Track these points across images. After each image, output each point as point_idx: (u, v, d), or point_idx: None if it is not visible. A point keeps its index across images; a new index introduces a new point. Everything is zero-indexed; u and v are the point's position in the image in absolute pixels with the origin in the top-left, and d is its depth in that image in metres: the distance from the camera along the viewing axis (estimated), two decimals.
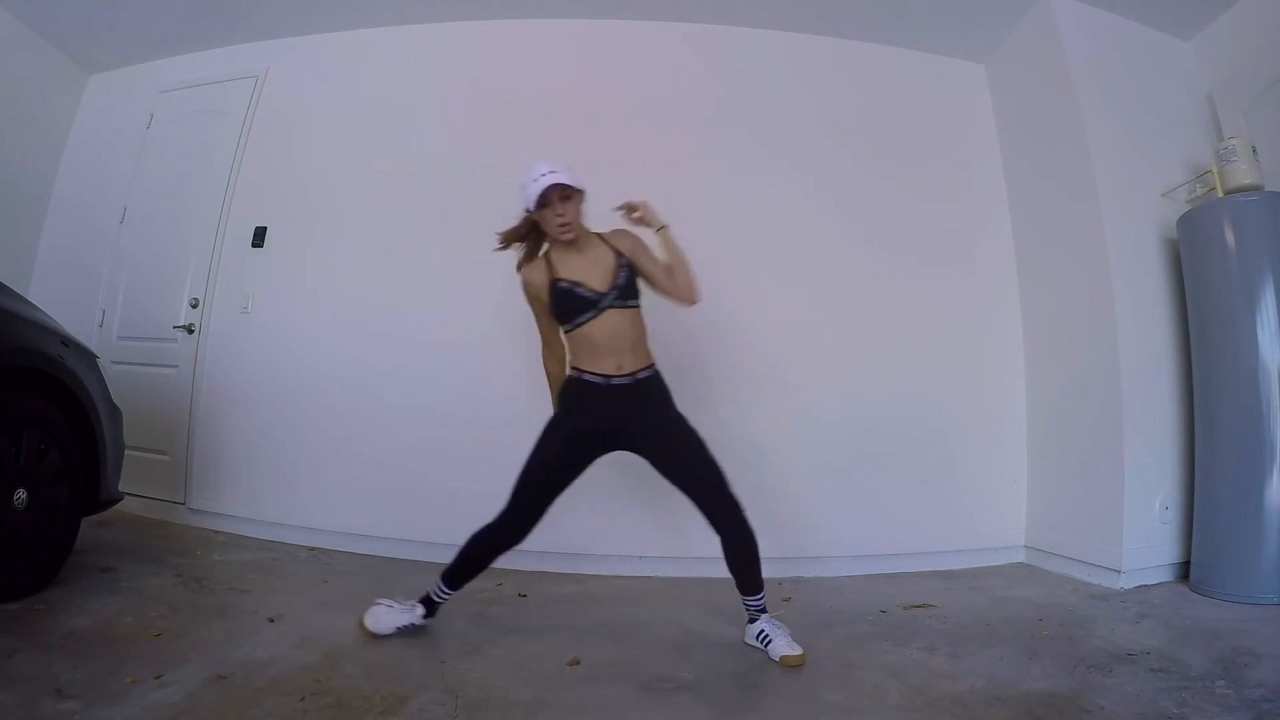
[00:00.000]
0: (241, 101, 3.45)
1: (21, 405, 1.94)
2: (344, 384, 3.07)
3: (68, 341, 2.14)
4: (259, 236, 3.29)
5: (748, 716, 1.52)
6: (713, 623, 2.18)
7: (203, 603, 2.07)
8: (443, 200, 3.16)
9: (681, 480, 1.89)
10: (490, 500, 2.88)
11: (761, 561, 1.89)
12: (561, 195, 1.84)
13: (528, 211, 1.90)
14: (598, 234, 1.96)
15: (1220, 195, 2.62)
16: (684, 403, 1.99)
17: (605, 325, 1.85)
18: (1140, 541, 2.57)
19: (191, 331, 3.29)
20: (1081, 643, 1.95)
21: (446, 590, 1.96)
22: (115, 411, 2.34)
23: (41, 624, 1.74)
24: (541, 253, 1.98)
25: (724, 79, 3.28)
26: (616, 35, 3.30)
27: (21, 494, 1.90)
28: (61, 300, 3.19)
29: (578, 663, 1.76)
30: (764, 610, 1.91)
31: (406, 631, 1.89)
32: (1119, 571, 2.53)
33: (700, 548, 2.82)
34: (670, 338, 3.00)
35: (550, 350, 2.03)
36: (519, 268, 1.98)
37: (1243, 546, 2.34)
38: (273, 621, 1.93)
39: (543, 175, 1.82)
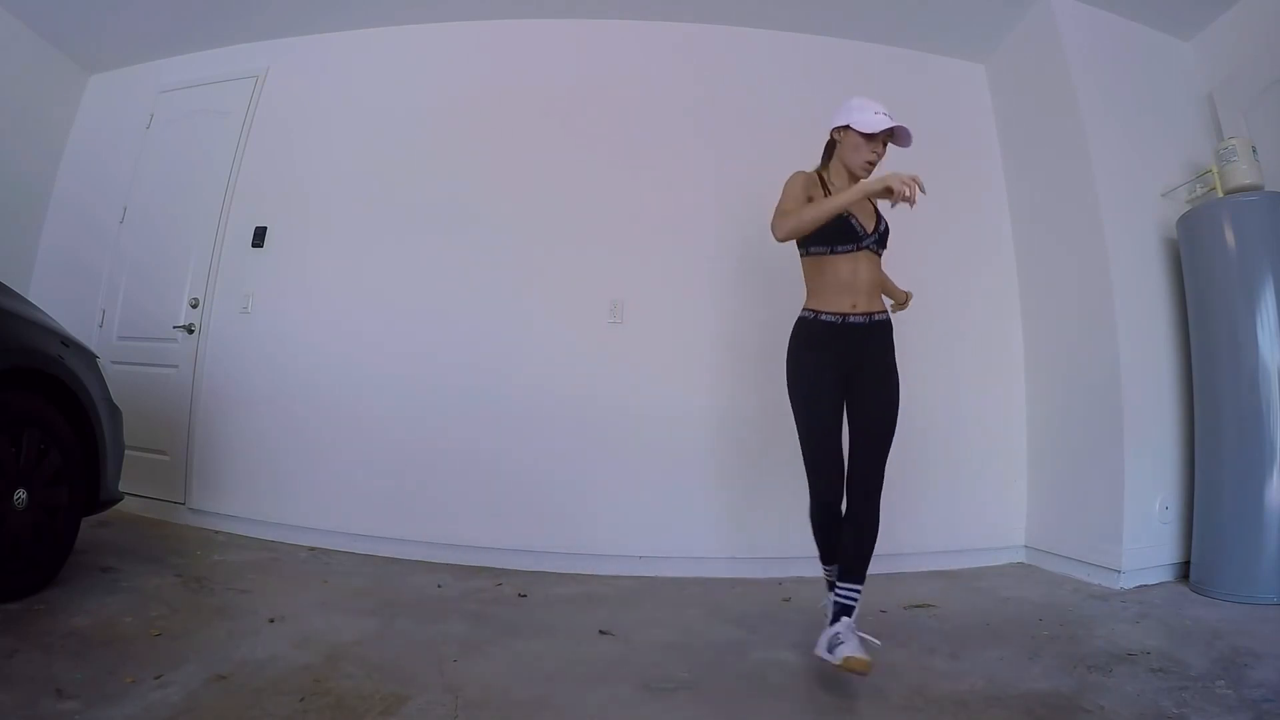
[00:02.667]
0: (241, 101, 3.45)
1: (21, 405, 1.94)
2: (344, 384, 3.07)
3: (68, 341, 2.14)
4: (259, 236, 3.29)
5: (748, 716, 1.52)
6: (713, 623, 2.18)
7: (203, 603, 2.07)
8: (443, 200, 3.16)
9: (859, 431, 1.82)
10: (491, 500, 2.91)
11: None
12: (886, 140, 1.86)
13: (839, 129, 1.90)
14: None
15: (1220, 195, 2.62)
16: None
17: (854, 263, 1.83)
18: (1140, 541, 2.57)
19: (191, 331, 3.29)
20: (1081, 643, 1.95)
21: (830, 566, 1.89)
22: (115, 411, 2.34)
23: (41, 624, 1.74)
24: (816, 169, 1.97)
25: (722, 79, 3.28)
26: (615, 35, 3.30)
27: (21, 494, 1.90)
28: (61, 300, 3.19)
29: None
30: (850, 611, 1.72)
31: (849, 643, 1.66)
32: (1119, 571, 2.53)
33: (700, 548, 2.84)
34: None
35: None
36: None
37: (1243, 546, 2.34)
38: (273, 621, 1.93)
39: (883, 113, 1.83)
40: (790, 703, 1.57)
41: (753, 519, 2.88)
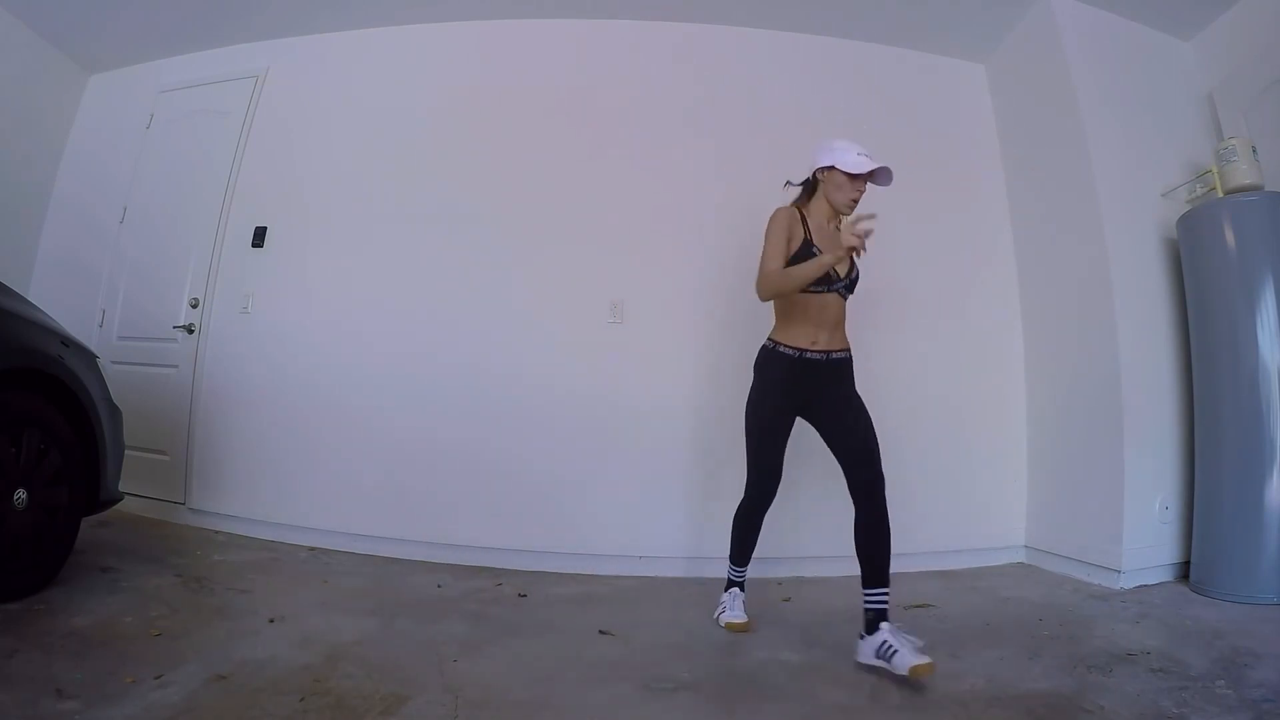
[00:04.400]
0: (241, 101, 3.46)
1: (22, 405, 1.94)
2: (344, 383, 3.07)
3: (68, 341, 2.14)
4: (259, 236, 3.29)
5: (748, 717, 1.52)
6: (713, 623, 2.18)
7: (203, 603, 2.07)
8: (443, 200, 3.16)
9: (841, 438, 1.93)
10: (491, 500, 2.91)
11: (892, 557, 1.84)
12: (867, 179, 1.97)
13: (823, 169, 2.01)
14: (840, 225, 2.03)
15: (1220, 195, 2.62)
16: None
17: (822, 302, 1.95)
18: (1140, 541, 2.57)
19: (191, 331, 3.29)
20: (1081, 643, 1.94)
21: (739, 568, 2.16)
22: (115, 411, 2.34)
23: (41, 624, 1.74)
24: (795, 204, 2.08)
25: (722, 79, 3.28)
26: (615, 35, 3.30)
27: (21, 494, 1.89)
28: (61, 300, 3.20)
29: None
30: (885, 615, 1.75)
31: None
32: (1119, 571, 2.53)
33: (700, 548, 2.84)
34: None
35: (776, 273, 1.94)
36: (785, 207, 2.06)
37: (1243, 546, 2.34)
38: (273, 621, 1.93)
39: (865, 155, 1.94)
40: (790, 703, 1.57)
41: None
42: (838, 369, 2.00)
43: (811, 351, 1.96)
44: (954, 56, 3.42)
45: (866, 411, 1.95)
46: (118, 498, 2.36)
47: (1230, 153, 2.62)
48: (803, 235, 1.98)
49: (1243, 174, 2.58)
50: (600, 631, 2.04)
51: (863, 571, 1.83)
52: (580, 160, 3.17)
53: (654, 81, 3.25)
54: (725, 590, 2.18)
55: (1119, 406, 2.62)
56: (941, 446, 3.04)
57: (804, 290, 1.92)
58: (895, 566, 2.84)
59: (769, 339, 2.05)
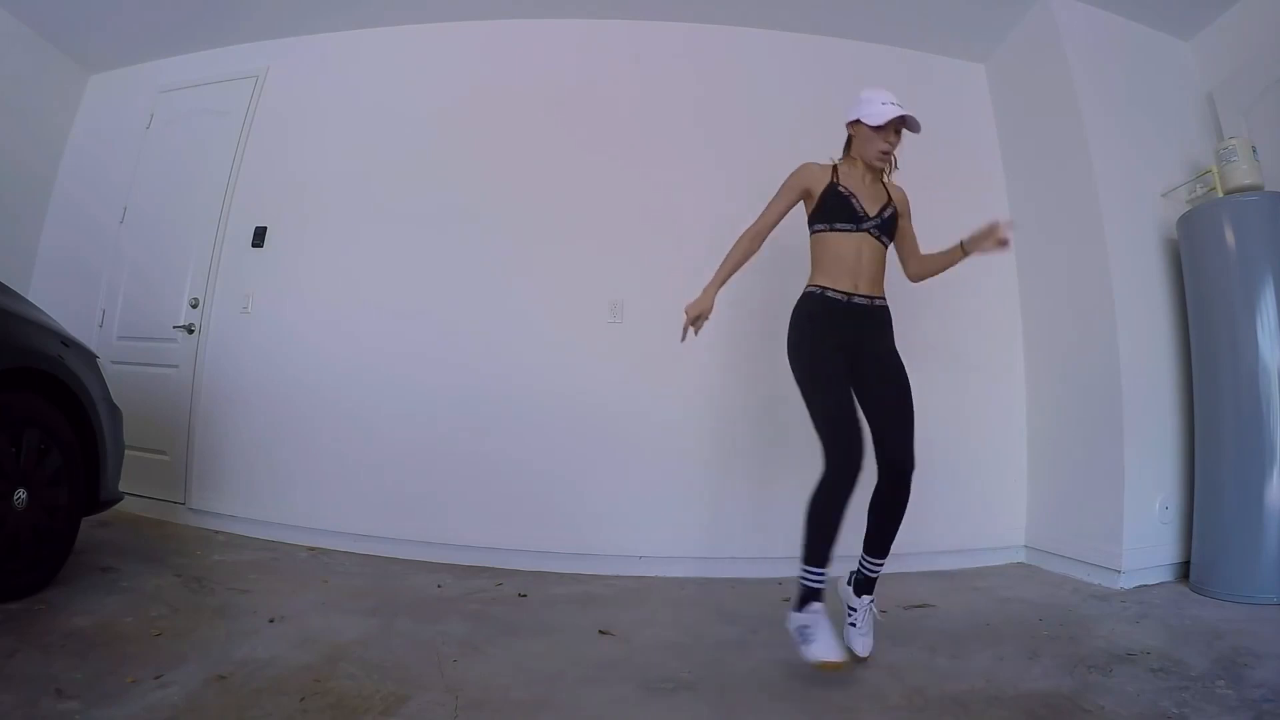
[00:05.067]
0: (241, 101, 3.46)
1: (22, 405, 1.94)
2: (344, 383, 3.07)
3: (68, 341, 2.14)
4: (259, 236, 3.29)
5: (748, 716, 1.52)
6: (713, 623, 2.18)
7: (203, 603, 2.07)
8: (443, 200, 3.16)
9: (878, 412, 1.84)
10: (491, 500, 2.91)
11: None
12: (898, 128, 1.88)
13: (851, 123, 1.95)
14: (889, 182, 2.01)
15: (1220, 195, 2.62)
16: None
17: (855, 245, 1.87)
18: (1140, 541, 2.57)
19: (191, 331, 3.29)
20: (1082, 643, 1.94)
21: (817, 571, 1.69)
22: (115, 411, 2.34)
23: (41, 624, 1.74)
24: (830, 164, 1.99)
25: (722, 79, 3.28)
26: (615, 35, 3.30)
27: (21, 494, 1.90)
28: (61, 300, 3.19)
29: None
30: (871, 589, 1.87)
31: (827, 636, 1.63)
32: (1119, 571, 2.53)
33: (700, 548, 2.84)
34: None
35: (754, 239, 2.00)
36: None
37: (1243, 546, 2.34)
38: (273, 621, 1.93)
39: (891, 103, 1.86)
40: (790, 702, 1.57)
41: (753, 519, 2.88)
42: (884, 317, 1.92)
43: (858, 296, 1.86)
44: (954, 56, 3.42)
45: (908, 384, 1.88)
46: (118, 498, 2.36)
47: (1230, 153, 2.62)
48: (827, 182, 1.91)
49: (1243, 174, 2.58)
50: (600, 631, 2.04)
51: (870, 537, 1.86)
52: (579, 160, 3.17)
53: (653, 81, 3.25)
54: (799, 606, 1.68)
55: (1119, 406, 2.62)
56: (941, 446, 3.02)
57: (832, 228, 1.88)
58: (895, 567, 2.84)
59: (810, 284, 1.92)
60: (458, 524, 2.88)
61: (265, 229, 3.30)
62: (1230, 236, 2.50)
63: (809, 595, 1.68)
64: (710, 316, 1.94)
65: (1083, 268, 2.84)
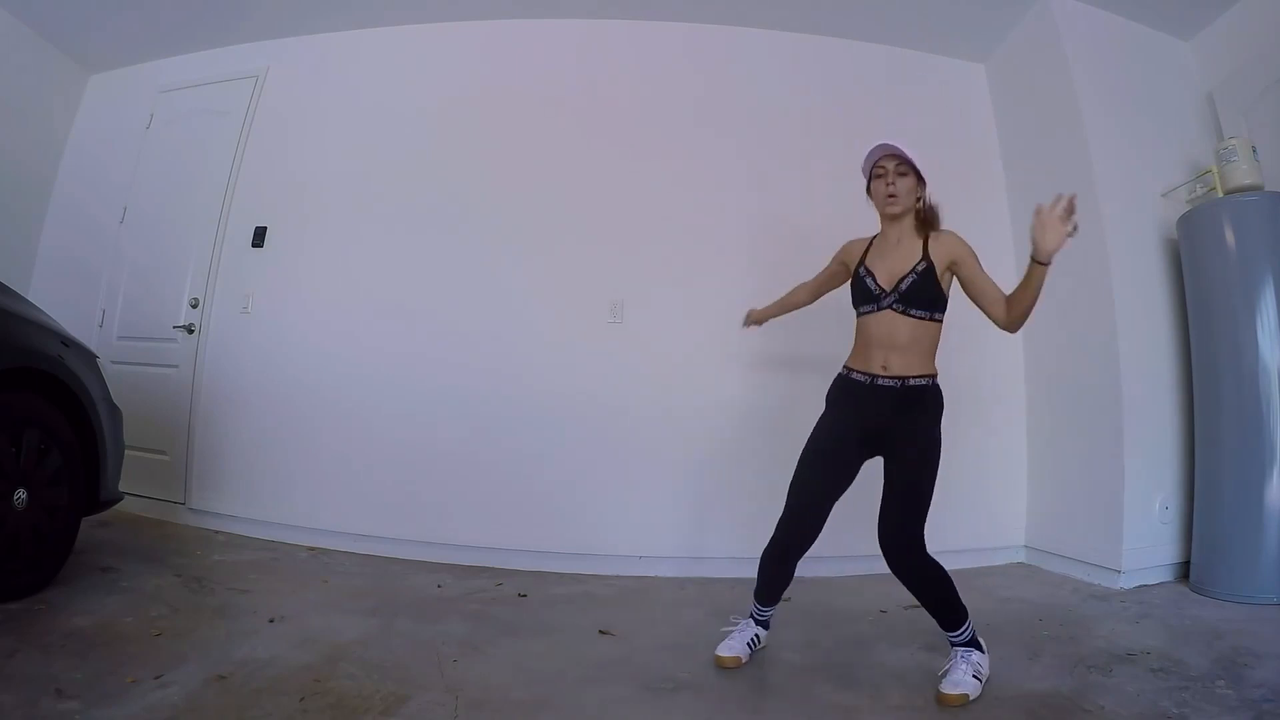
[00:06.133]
0: (241, 101, 3.45)
1: (22, 405, 1.94)
2: (344, 383, 3.07)
3: (68, 341, 2.14)
4: (259, 236, 3.29)
5: (748, 716, 1.52)
6: (713, 623, 2.17)
7: (203, 603, 2.07)
8: (443, 200, 3.16)
9: (886, 490, 1.81)
10: (491, 500, 2.91)
11: (950, 601, 1.72)
12: (897, 169, 1.81)
13: (867, 189, 1.90)
14: (928, 232, 1.85)
15: (1220, 195, 2.62)
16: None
17: (881, 324, 1.78)
18: (1140, 541, 2.57)
19: (191, 331, 3.29)
20: (1081, 643, 1.95)
21: (765, 607, 1.91)
22: (115, 411, 2.34)
23: (41, 624, 1.74)
24: (872, 236, 1.95)
25: (720, 79, 3.28)
26: (615, 35, 3.30)
27: (21, 494, 1.90)
28: (61, 300, 3.19)
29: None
30: (963, 643, 1.70)
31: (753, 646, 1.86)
32: (1119, 571, 2.53)
33: (700, 548, 2.84)
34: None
35: (803, 289, 2.13)
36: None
37: (1243, 546, 2.34)
38: (273, 621, 1.93)
39: (874, 146, 1.83)
40: (790, 702, 1.57)
41: (753, 519, 2.87)
42: (917, 398, 1.78)
43: (884, 378, 1.76)
44: (954, 56, 3.42)
45: (927, 455, 1.78)
46: (118, 498, 2.36)
47: (1230, 153, 2.62)
48: (858, 257, 1.88)
49: (1243, 174, 2.58)
50: (600, 631, 2.04)
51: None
52: (579, 160, 3.17)
53: (654, 82, 3.25)
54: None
55: (1119, 406, 2.62)
56: (942, 446, 3.03)
57: (859, 312, 1.85)
58: None
59: (843, 366, 1.89)
60: (458, 524, 2.88)
61: (265, 229, 3.30)
62: (1230, 236, 2.50)
63: (754, 616, 1.93)
64: (755, 328, 2.24)
65: (1083, 268, 2.84)
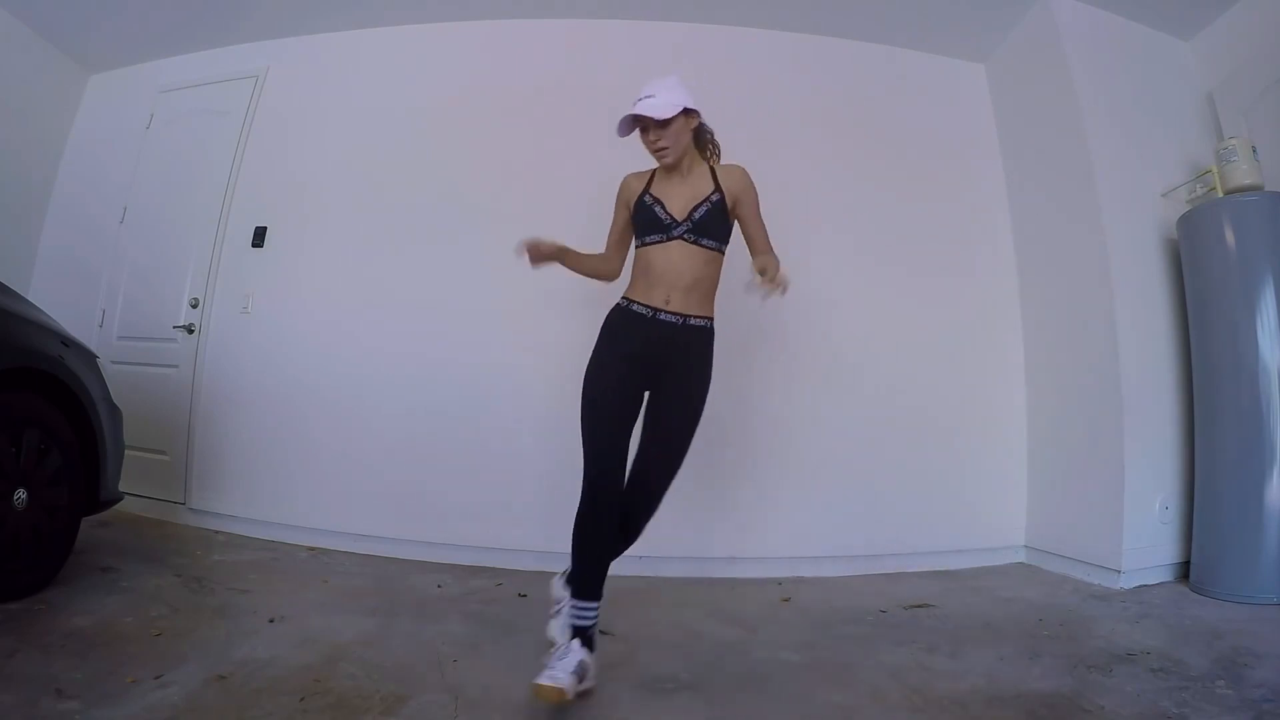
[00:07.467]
0: (241, 101, 3.45)
1: (22, 405, 1.94)
2: (344, 383, 3.07)
3: (68, 341, 2.15)
4: (259, 236, 3.29)
5: (748, 716, 1.52)
6: (713, 623, 2.18)
7: (203, 603, 2.07)
8: (443, 200, 3.16)
9: (651, 438, 1.74)
10: (489, 500, 2.90)
11: (600, 564, 1.64)
12: (649, 124, 1.76)
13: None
14: (717, 165, 1.85)
15: (1220, 195, 2.62)
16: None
17: (667, 255, 1.72)
18: (1140, 541, 2.57)
19: (191, 331, 3.29)
20: (1082, 643, 1.95)
21: (585, 605, 1.62)
22: (115, 411, 2.34)
23: (41, 624, 1.74)
24: (652, 168, 1.90)
25: (718, 79, 3.27)
26: (615, 35, 3.30)
27: (21, 494, 1.90)
28: (61, 300, 3.19)
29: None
30: (585, 632, 1.59)
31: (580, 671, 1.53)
32: (1119, 571, 2.53)
33: (701, 548, 2.84)
34: None
35: (604, 261, 1.97)
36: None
37: (1243, 546, 2.34)
38: (273, 621, 1.93)
39: (640, 98, 1.75)
40: (790, 703, 1.57)
41: (753, 519, 2.88)
42: (696, 338, 1.74)
43: (665, 312, 1.70)
44: (954, 56, 3.42)
45: (701, 404, 1.74)
46: (118, 498, 2.36)
47: (1230, 153, 2.62)
48: (640, 191, 1.82)
49: (1243, 174, 2.58)
50: (600, 631, 2.04)
51: (577, 572, 1.65)
52: (579, 160, 3.16)
53: (652, 81, 3.24)
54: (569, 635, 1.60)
55: (1119, 406, 2.62)
56: (942, 446, 3.04)
57: (644, 241, 1.76)
58: (896, 566, 2.88)
59: (621, 297, 1.80)
60: (458, 524, 2.88)
61: (265, 229, 3.30)
62: (1230, 236, 2.50)
63: (575, 630, 1.62)
64: (539, 263, 1.93)
65: (1083, 268, 2.84)
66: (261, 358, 3.18)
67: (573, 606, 1.63)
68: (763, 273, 1.60)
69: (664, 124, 1.76)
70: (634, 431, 1.77)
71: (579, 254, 1.94)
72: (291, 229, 3.28)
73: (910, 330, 3.10)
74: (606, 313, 1.84)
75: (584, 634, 1.60)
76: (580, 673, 1.51)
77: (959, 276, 3.21)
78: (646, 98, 1.76)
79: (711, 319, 1.79)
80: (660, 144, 1.77)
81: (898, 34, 3.31)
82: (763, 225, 1.85)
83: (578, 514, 1.67)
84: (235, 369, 3.20)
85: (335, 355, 3.10)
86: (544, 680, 1.44)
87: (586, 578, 1.64)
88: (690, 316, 1.73)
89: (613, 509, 1.67)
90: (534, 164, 3.15)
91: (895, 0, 3.11)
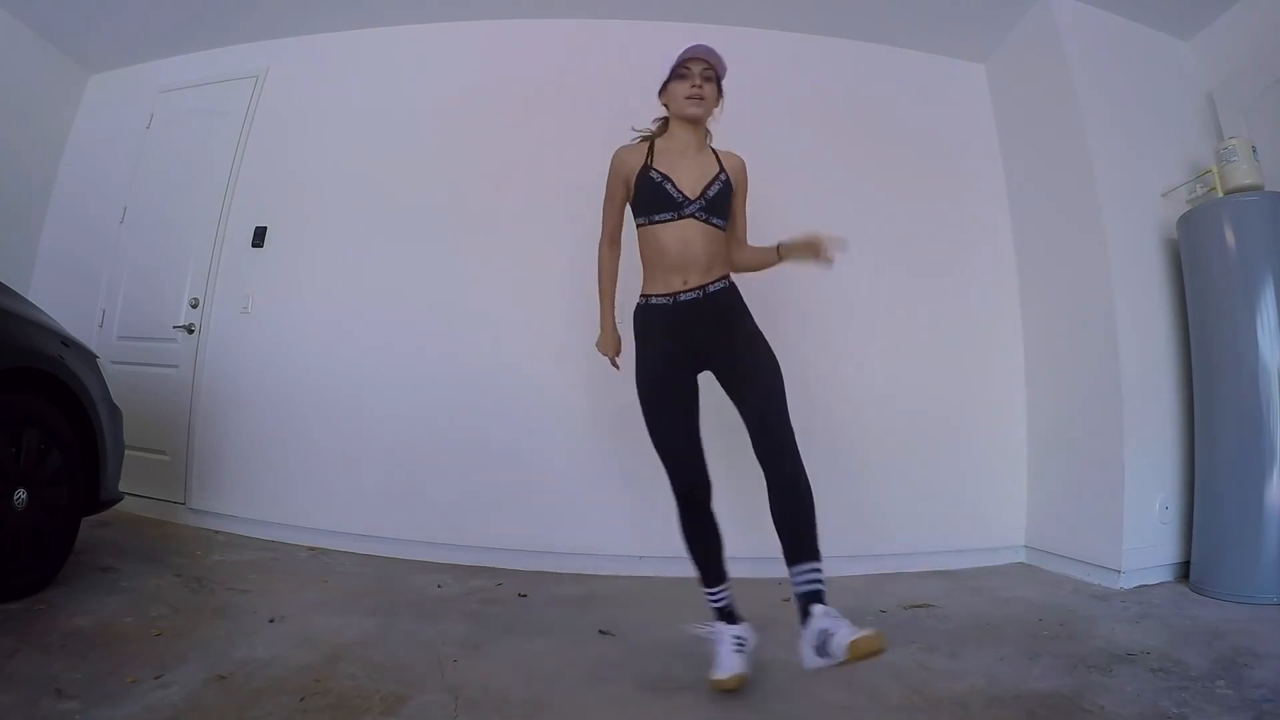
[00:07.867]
0: (241, 101, 3.45)
1: (22, 405, 1.94)
2: (345, 383, 3.07)
3: (68, 341, 2.15)
4: (259, 236, 3.29)
5: (748, 716, 1.52)
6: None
7: (203, 603, 2.07)
8: (444, 200, 3.16)
9: (744, 401, 1.68)
10: (491, 500, 2.90)
11: (814, 521, 1.56)
12: (703, 74, 1.73)
13: (662, 96, 1.82)
14: (713, 147, 1.83)
15: (1220, 195, 2.62)
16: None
17: (679, 234, 1.68)
18: (1140, 541, 2.57)
19: (191, 331, 3.29)
20: (1082, 643, 1.94)
21: (713, 590, 1.74)
22: (115, 411, 2.34)
23: (41, 624, 1.74)
24: (648, 138, 1.84)
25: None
26: (615, 35, 3.30)
27: (21, 494, 1.90)
28: (61, 300, 3.19)
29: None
30: (820, 596, 1.46)
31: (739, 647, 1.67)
32: (1119, 571, 2.53)
33: None
34: None
35: (611, 250, 1.89)
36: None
37: (1243, 546, 2.34)
38: (273, 621, 1.93)
39: (693, 45, 1.73)
40: (790, 703, 1.57)
41: (753, 519, 2.86)
42: (724, 301, 1.72)
43: (684, 293, 1.68)
44: (954, 56, 3.42)
45: (767, 346, 1.69)
46: (118, 498, 2.36)
47: (1230, 153, 2.62)
48: (641, 165, 1.74)
49: (1243, 174, 2.58)
50: (600, 631, 2.04)
51: (783, 545, 1.55)
52: (579, 159, 3.15)
53: (654, 81, 3.24)
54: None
55: (1119, 406, 2.62)
56: (942, 446, 3.04)
57: (651, 220, 1.71)
58: (895, 566, 2.88)
59: (640, 295, 1.77)
60: (457, 524, 2.88)
61: (265, 229, 3.30)
62: (1230, 236, 2.50)
63: (721, 613, 1.76)
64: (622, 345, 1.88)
65: (1083, 268, 2.84)
66: (261, 358, 3.18)
67: (705, 595, 1.75)
68: (812, 244, 1.65)
69: (709, 77, 1.75)
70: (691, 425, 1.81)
71: (609, 300, 1.91)
72: (291, 229, 3.28)
73: (910, 330, 3.10)
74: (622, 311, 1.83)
75: (724, 613, 1.74)
76: (739, 648, 1.67)
77: (959, 277, 3.21)
78: (702, 44, 1.74)
79: (728, 277, 1.76)
80: (700, 91, 1.73)
81: (898, 34, 3.31)
82: (745, 219, 1.89)
83: (680, 522, 1.75)
84: (235, 369, 3.20)
85: (335, 355, 3.10)
86: (719, 674, 1.60)
87: (707, 570, 1.75)
88: (708, 285, 1.71)
89: (707, 507, 1.75)
90: (534, 164, 3.15)
91: (895, 0, 3.11)
